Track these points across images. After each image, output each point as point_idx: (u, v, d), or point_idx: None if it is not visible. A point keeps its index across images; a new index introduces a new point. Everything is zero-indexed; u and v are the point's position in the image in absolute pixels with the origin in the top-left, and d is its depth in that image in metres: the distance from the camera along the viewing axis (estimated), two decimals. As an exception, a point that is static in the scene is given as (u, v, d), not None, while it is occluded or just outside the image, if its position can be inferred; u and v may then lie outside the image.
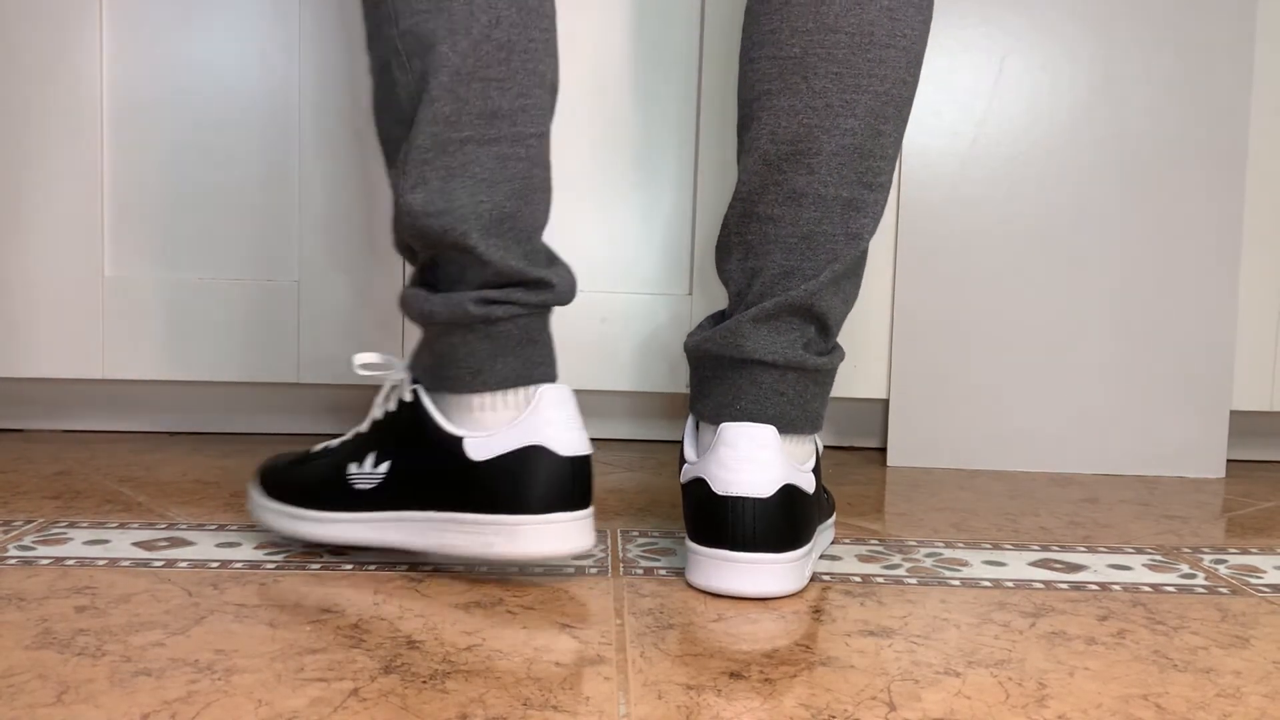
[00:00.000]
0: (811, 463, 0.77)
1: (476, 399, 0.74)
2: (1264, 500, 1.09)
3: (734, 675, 0.59)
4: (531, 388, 0.75)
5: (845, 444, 1.30)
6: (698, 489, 0.74)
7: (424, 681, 0.57)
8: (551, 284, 0.75)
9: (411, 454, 0.74)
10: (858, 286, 0.79)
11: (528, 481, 0.71)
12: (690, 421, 0.80)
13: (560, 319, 1.19)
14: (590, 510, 0.74)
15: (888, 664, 0.61)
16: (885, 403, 1.25)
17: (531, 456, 0.71)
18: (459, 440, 0.73)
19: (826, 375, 0.77)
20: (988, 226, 1.19)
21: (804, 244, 0.75)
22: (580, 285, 1.20)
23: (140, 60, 1.15)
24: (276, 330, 1.18)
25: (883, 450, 1.28)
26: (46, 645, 0.60)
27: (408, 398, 0.76)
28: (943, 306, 1.19)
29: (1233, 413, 1.28)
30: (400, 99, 0.73)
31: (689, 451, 0.78)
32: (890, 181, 0.77)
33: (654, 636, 0.65)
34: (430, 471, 0.73)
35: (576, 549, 0.73)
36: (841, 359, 0.79)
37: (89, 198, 1.16)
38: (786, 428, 0.75)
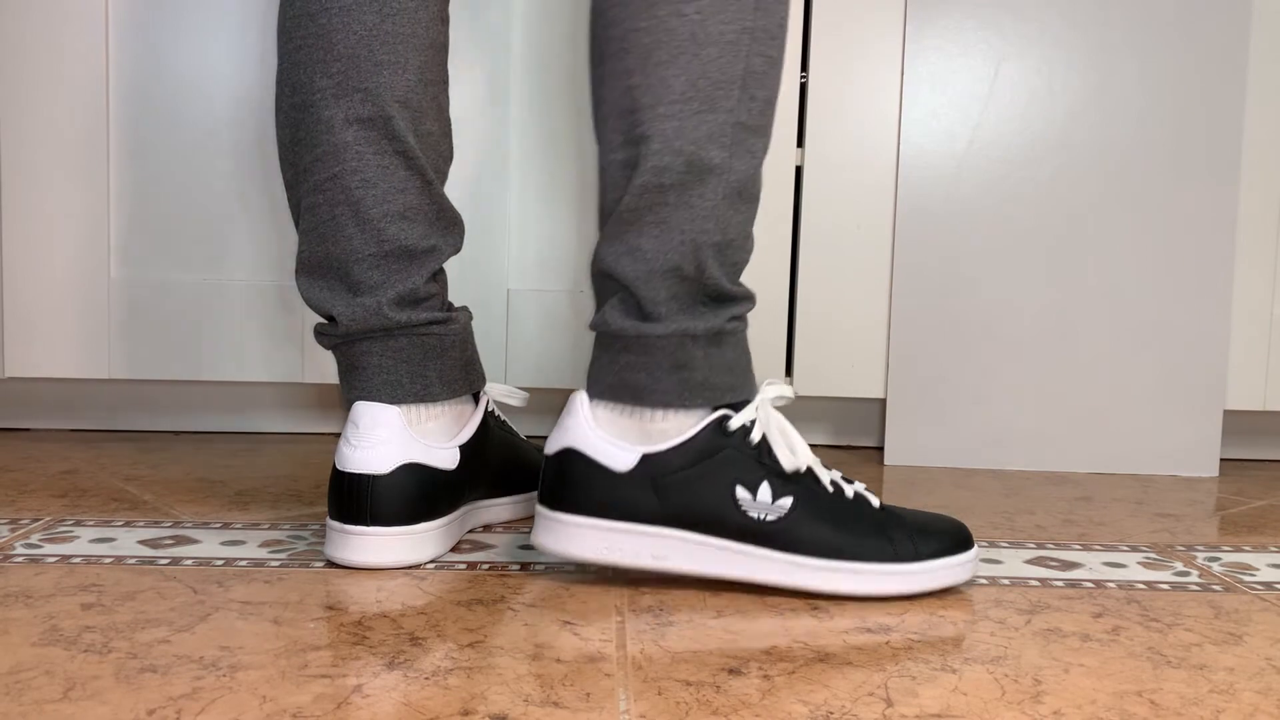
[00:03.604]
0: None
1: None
2: (1257, 498, 1.10)
3: (733, 672, 0.60)
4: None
5: (843, 443, 1.31)
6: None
7: (426, 678, 0.57)
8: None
9: None
10: None
11: None
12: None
13: (562, 319, 1.20)
14: None
15: (885, 661, 0.62)
16: (882, 402, 1.25)
17: None
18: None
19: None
20: (984, 228, 1.19)
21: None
22: (581, 287, 1.21)
23: (145, 62, 1.16)
24: (280, 330, 1.19)
25: (880, 449, 1.29)
26: (53, 642, 0.61)
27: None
28: (939, 307, 1.20)
29: (1226, 412, 1.28)
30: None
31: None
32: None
33: (654, 634, 0.65)
34: None
35: None
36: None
37: (95, 199, 1.16)
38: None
